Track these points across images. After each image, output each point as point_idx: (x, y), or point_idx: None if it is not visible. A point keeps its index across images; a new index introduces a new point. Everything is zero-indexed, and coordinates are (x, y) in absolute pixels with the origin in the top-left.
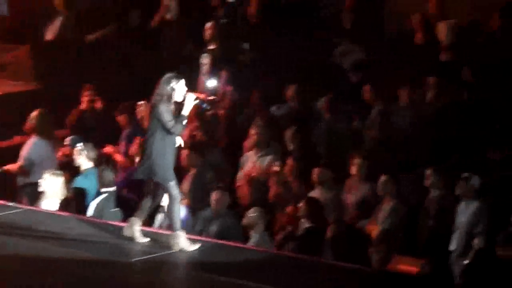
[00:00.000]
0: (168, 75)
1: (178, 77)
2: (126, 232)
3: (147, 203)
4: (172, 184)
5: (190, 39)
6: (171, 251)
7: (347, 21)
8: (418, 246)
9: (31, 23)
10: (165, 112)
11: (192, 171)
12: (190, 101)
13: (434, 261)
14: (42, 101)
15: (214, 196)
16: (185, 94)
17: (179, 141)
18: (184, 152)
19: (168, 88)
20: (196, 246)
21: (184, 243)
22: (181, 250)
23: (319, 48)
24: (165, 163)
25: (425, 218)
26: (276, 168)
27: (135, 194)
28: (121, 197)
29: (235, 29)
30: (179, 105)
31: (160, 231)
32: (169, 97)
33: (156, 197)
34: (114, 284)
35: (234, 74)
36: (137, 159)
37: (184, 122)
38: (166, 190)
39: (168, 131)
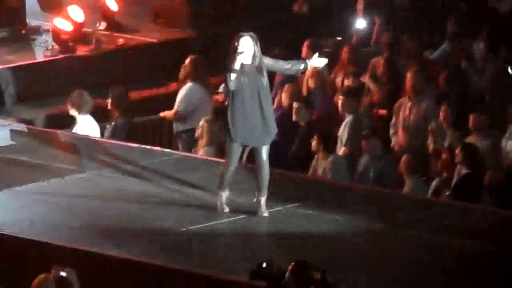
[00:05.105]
0: (251, 33)
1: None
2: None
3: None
4: None
5: None
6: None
7: None
8: None
9: None
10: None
11: (348, 118)
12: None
13: None
14: (197, 48)
15: (365, 142)
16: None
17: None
18: (339, 99)
19: (258, 45)
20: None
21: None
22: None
23: None
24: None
25: None
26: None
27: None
28: None
29: None
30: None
31: None
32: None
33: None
34: None
35: (389, 19)
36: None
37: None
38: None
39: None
